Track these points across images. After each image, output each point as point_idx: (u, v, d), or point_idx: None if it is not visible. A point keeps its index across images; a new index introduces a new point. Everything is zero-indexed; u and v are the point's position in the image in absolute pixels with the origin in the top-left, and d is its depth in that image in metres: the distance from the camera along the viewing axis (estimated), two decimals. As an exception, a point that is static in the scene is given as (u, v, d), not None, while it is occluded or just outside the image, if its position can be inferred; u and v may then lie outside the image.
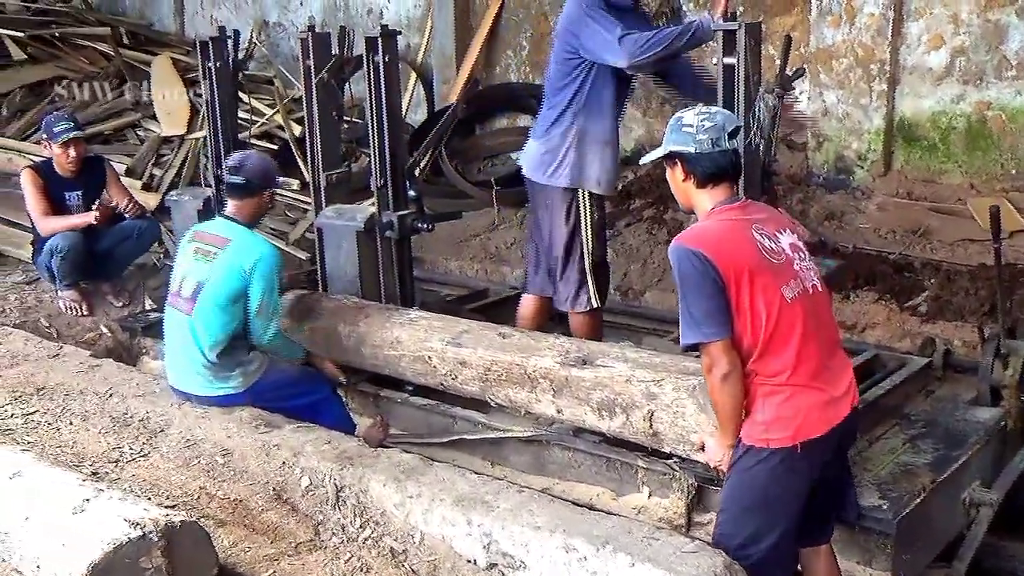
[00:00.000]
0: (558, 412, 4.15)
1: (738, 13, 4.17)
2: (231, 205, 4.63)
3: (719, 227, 3.20)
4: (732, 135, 3.24)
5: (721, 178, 3.25)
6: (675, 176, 3.31)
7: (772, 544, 3.18)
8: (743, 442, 3.17)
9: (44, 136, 6.53)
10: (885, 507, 3.56)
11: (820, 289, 3.24)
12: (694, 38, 4.46)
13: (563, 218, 4.93)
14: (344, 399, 4.90)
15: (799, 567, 3.41)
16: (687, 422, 3.64)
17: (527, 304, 5.30)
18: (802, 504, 3.20)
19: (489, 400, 4.43)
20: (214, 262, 4.47)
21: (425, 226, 5.36)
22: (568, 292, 5.03)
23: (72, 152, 6.38)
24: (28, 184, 6.38)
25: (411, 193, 5.35)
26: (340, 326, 4.90)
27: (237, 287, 4.44)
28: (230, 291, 4.44)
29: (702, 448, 3.49)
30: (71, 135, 6.36)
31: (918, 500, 3.63)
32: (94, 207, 6.37)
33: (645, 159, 3.48)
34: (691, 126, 3.22)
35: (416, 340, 4.62)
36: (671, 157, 3.28)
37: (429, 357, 4.56)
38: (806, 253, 3.29)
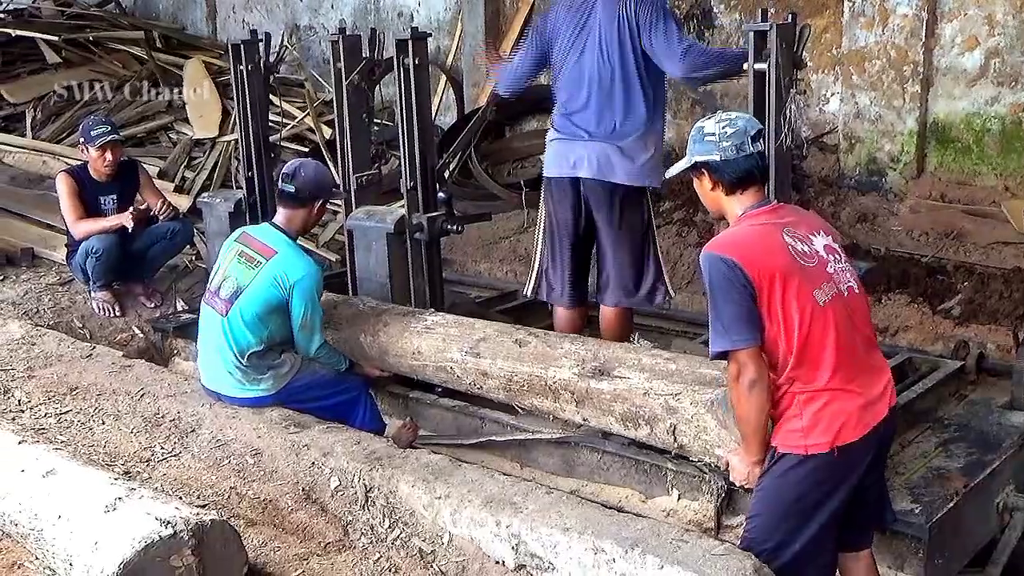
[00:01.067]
0: (584, 420, 4.16)
1: (770, 13, 4.13)
2: (281, 214, 4.69)
3: (750, 232, 3.17)
4: (755, 138, 3.22)
5: (749, 182, 3.23)
6: (703, 185, 3.30)
7: (802, 550, 3.14)
8: (779, 449, 3.13)
9: (81, 139, 6.61)
10: (917, 511, 3.54)
11: (857, 291, 3.21)
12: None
13: (640, 217, 4.96)
14: (375, 399, 4.92)
15: (837, 573, 3.38)
16: (709, 436, 3.62)
17: (569, 319, 5.17)
18: (840, 510, 3.16)
19: (516, 407, 4.44)
20: (257, 271, 4.52)
21: (454, 228, 5.36)
22: (644, 289, 5.03)
23: (109, 156, 6.44)
24: (63, 188, 6.46)
25: (441, 195, 5.35)
26: (361, 336, 4.89)
27: (275, 300, 4.49)
28: (267, 302, 4.48)
29: (727, 466, 3.46)
30: (108, 139, 6.42)
31: (951, 504, 3.60)
32: (130, 210, 6.42)
33: (670, 172, 3.45)
34: (713, 134, 3.21)
35: (435, 350, 4.61)
36: (697, 167, 3.27)
37: (451, 368, 4.56)
38: (842, 255, 3.25)
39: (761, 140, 3.27)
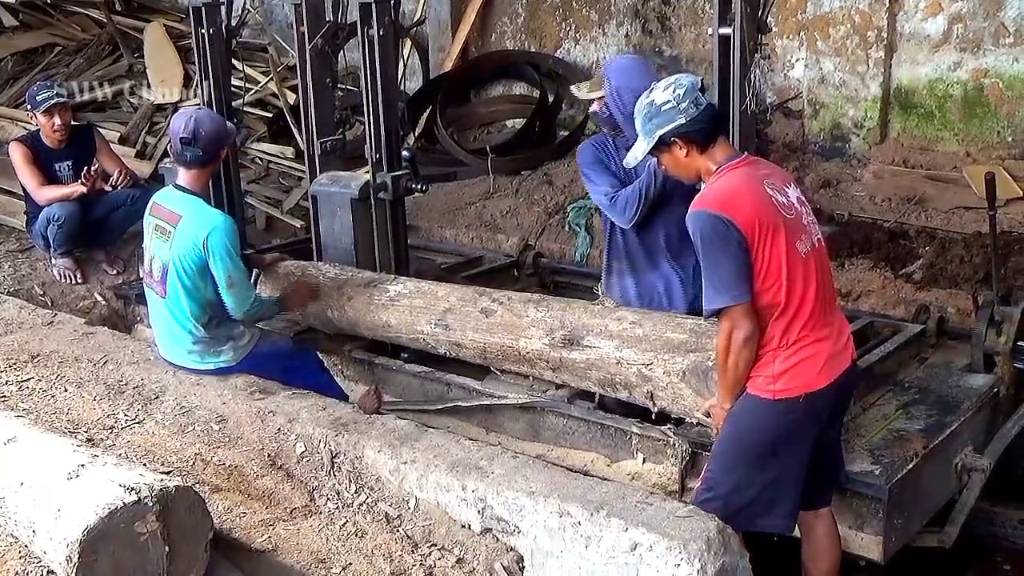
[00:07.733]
0: (563, 385, 4.24)
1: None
2: (184, 175, 4.47)
3: (735, 184, 3.16)
4: (702, 89, 3.22)
5: (717, 132, 3.24)
6: (675, 156, 3.26)
7: (759, 496, 3.22)
8: (747, 390, 3.19)
9: (29, 106, 6.51)
10: (877, 472, 3.59)
11: (823, 244, 3.27)
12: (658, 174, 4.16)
13: None
14: (335, 369, 4.91)
15: (797, 531, 3.43)
16: (686, 402, 3.67)
17: None
18: (802, 460, 3.22)
19: (495, 371, 4.49)
20: (171, 242, 4.37)
21: (419, 187, 5.30)
22: None
23: (57, 120, 6.33)
24: (17, 157, 6.36)
25: (405, 153, 5.30)
26: (329, 312, 4.89)
27: (198, 263, 4.35)
28: (192, 269, 4.36)
29: (707, 414, 3.51)
30: (53, 102, 6.30)
31: (910, 466, 3.66)
32: (81, 176, 6.29)
33: (632, 161, 3.37)
34: (669, 102, 3.19)
35: (405, 324, 4.62)
36: (665, 141, 3.23)
37: (424, 340, 4.59)
38: (810, 207, 3.30)
39: (706, 90, 3.25)
